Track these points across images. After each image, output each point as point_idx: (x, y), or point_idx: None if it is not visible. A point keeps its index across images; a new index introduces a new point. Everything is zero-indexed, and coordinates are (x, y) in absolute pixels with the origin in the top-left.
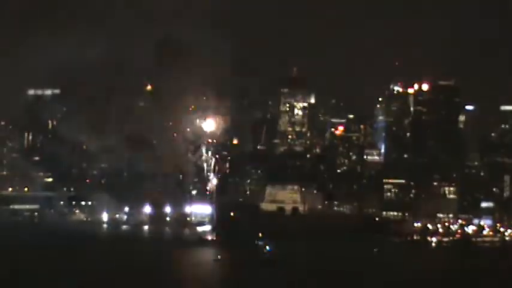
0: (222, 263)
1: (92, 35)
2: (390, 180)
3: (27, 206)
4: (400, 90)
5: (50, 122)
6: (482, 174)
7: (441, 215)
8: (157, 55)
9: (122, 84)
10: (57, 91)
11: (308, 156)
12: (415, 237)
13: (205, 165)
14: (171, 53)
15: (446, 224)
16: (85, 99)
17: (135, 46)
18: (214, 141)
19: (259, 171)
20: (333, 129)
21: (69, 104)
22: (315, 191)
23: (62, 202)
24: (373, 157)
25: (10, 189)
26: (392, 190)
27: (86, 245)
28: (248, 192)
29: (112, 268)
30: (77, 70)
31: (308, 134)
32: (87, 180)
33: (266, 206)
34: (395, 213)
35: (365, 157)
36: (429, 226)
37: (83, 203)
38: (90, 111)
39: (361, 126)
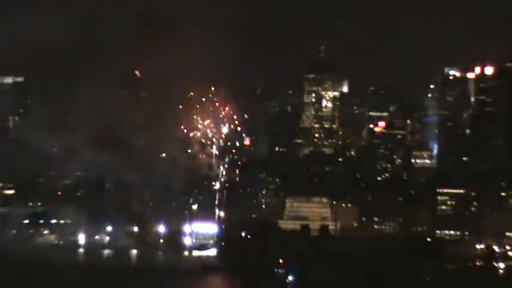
0: None
1: (61, 10)
2: (445, 190)
3: None
4: (458, 75)
5: (10, 118)
6: None
7: (511, 235)
8: (141, 33)
9: (100, 71)
10: (19, 79)
11: (340, 160)
12: (477, 263)
13: (209, 172)
14: (158, 31)
15: None
16: (54, 89)
17: (114, 22)
18: (221, 142)
19: (277, 180)
20: (371, 126)
21: (34, 95)
22: (349, 205)
23: (26, 220)
24: (423, 161)
25: None
26: (448, 202)
27: (56, 276)
28: (264, 207)
29: None
30: (43, 53)
31: (340, 132)
32: (59, 193)
33: (287, 223)
34: (452, 232)
35: (413, 161)
36: (495, 248)
37: (54, 221)
38: (60, 105)
39: (408, 122)
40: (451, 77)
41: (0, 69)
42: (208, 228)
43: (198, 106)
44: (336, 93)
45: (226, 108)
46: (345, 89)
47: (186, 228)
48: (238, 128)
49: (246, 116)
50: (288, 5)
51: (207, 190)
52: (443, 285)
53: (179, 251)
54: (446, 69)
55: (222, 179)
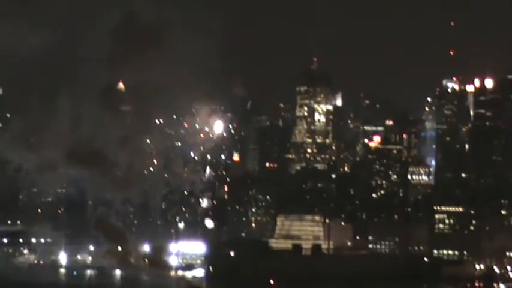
0: None
1: (40, 21)
2: (443, 208)
3: None
4: (456, 87)
5: None
6: None
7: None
8: (124, 45)
9: (82, 84)
10: None
11: (333, 176)
12: (476, 284)
13: (196, 189)
14: (142, 43)
15: None
16: (34, 102)
17: (96, 33)
18: (208, 157)
19: (267, 197)
20: (366, 140)
21: (14, 108)
22: (342, 223)
23: (4, 239)
24: (420, 177)
25: None
26: (446, 221)
27: None
28: (254, 225)
29: None
30: (23, 65)
31: (333, 147)
32: (39, 211)
33: (278, 242)
34: (451, 252)
35: (409, 177)
36: (496, 269)
37: (34, 240)
38: (40, 119)
39: (404, 136)
40: (449, 90)
41: None
42: (196, 248)
43: (185, 121)
44: (329, 107)
45: (215, 123)
46: (339, 103)
47: (172, 247)
48: (228, 143)
49: (235, 130)
50: (280, 17)
51: (194, 208)
52: None
53: (165, 271)
54: (444, 82)
55: (210, 196)
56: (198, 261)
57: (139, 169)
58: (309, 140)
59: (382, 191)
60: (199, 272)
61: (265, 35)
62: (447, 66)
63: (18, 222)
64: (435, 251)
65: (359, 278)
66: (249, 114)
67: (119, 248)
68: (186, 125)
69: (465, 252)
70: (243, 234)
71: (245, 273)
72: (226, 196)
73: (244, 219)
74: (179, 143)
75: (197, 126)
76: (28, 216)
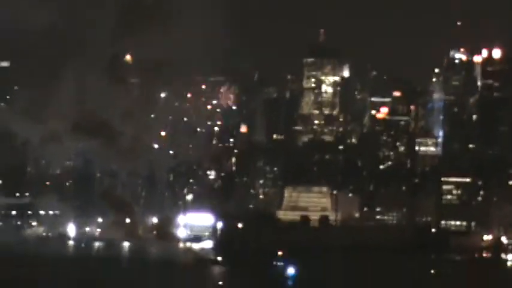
0: None
1: None
2: (451, 179)
3: None
4: (464, 58)
5: None
6: None
7: None
8: (128, 16)
9: (89, 56)
10: (5, 64)
11: (341, 147)
12: (484, 255)
13: (203, 161)
14: (147, 12)
15: None
16: (42, 75)
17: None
18: (215, 129)
19: (275, 169)
20: (373, 112)
21: (22, 81)
22: (350, 194)
23: (13, 212)
24: (428, 148)
25: None
26: (454, 192)
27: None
28: (261, 197)
29: None
30: (30, 37)
31: (340, 119)
32: (47, 183)
33: (285, 214)
34: (458, 223)
35: (417, 148)
36: (503, 239)
37: (42, 212)
38: (48, 92)
39: (412, 107)
40: (456, 61)
41: None
42: (204, 220)
43: (192, 93)
44: (337, 78)
45: (222, 95)
46: (346, 74)
47: (180, 219)
48: (235, 115)
49: (242, 102)
50: None
51: (202, 180)
52: (449, 277)
53: (172, 243)
54: (451, 53)
55: (218, 168)
56: (206, 233)
57: (147, 141)
58: (317, 112)
59: (389, 162)
60: (207, 244)
61: (272, 7)
62: (454, 36)
63: (26, 194)
64: (443, 222)
65: (367, 248)
66: (256, 86)
67: (127, 220)
68: (192, 96)
69: (473, 223)
70: (250, 206)
71: (252, 245)
72: (233, 168)
73: (251, 191)
74: (186, 115)
75: (204, 98)
76: (36, 189)
